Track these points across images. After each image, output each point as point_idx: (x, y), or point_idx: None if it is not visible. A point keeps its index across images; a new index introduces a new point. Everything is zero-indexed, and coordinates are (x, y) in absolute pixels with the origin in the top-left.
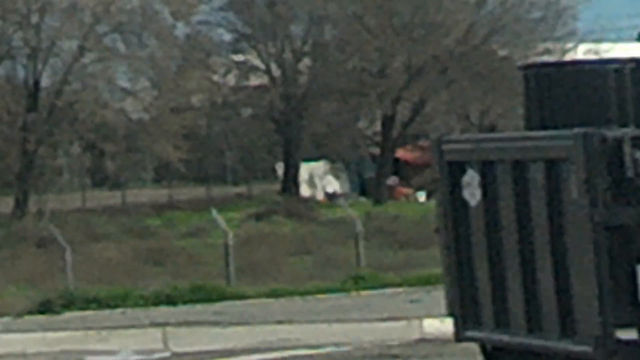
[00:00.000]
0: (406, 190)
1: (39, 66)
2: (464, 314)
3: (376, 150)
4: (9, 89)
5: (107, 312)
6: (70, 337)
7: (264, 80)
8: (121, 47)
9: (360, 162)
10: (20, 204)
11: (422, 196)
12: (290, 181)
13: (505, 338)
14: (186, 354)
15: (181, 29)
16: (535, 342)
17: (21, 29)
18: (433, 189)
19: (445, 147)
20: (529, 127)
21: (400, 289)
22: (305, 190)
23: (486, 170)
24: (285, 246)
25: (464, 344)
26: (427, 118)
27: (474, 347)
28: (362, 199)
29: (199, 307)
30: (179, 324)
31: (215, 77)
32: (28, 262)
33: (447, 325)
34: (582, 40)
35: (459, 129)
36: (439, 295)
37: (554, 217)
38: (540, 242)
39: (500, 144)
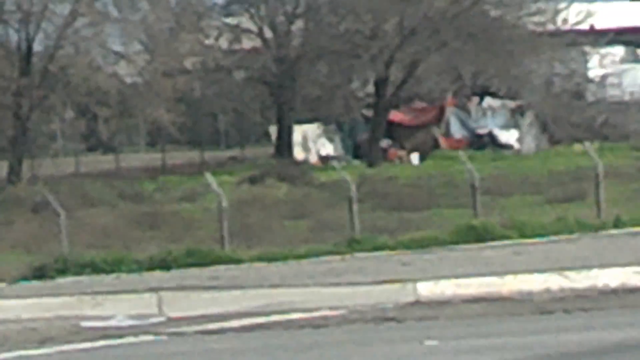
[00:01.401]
0: (400, 153)
1: (32, 30)
2: None
3: (369, 113)
4: (1, 54)
5: (101, 277)
6: (65, 302)
7: (256, 43)
8: (113, 10)
9: (353, 124)
10: (14, 170)
11: (415, 158)
12: (284, 144)
13: None
14: (181, 318)
15: None
16: None
17: None
18: (426, 151)
19: None
20: None
21: (394, 252)
22: (298, 153)
23: None
24: (280, 210)
25: (461, 306)
26: (420, 80)
27: (468, 309)
28: (356, 162)
29: (193, 271)
30: (174, 289)
31: (208, 41)
32: (22, 228)
33: (440, 288)
34: (574, 0)
35: (452, 91)
36: (432, 258)
37: None
38: None
39: None
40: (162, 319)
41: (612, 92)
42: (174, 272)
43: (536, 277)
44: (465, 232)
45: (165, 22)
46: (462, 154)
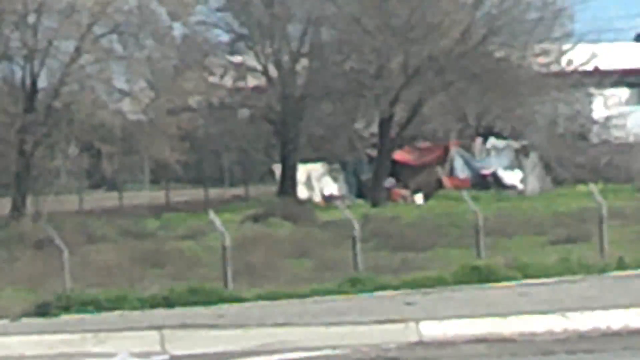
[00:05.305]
0: (403, 192)
1: (36, 67)
2: None
3: (373, 152)
4: (6, 90)
5: (104, 314)
6: (68, 339)
7: (261, 81)
8: (118, 48)
9: (357, 163)
10: (18, 206)
11: (419, 198)
12: (288, 183)
13: None
14: (184, 356)
15: (178, 30)
16: None
17: (18, 29)
18: (430, 190)
19: None
20: None
21: (397, 292)
22: (302, 192)
23: None
24: (283, 248)
25: (463, 347)
26: (424, 119)
27: (471, 350)
28: (360, 201)
29: (196, 309)
30: (177, 327)
31: (213, 78)
32: (25, 264)
33: (443, 328)
34: (579, 41)
35: (457, 130)
36: (435, 299)
37: None
38: None
39: None
40: (165, 357)
41: (617, 134)
42: (177, 310)
43: (539, 318)
44: (469, 272)
45: (170, 60)
46: (465, 194)
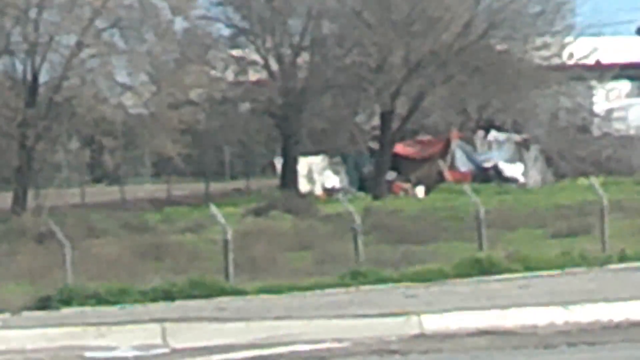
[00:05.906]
0: (405, 186)
1: (38, 61)
2: None
3: (374, 145)
4: (7, 85)
5: (106, 307)
6: (69, 333)
7: (262, 75)
8: (120, 42)
9: (358, 157)
10: (19, 200)
11: (420, 191)
12: (289, 176)
13: None
14: (185, 349)
15: (179, 24)
16: None
17: (20, 23)
18: (431, 183)
19: None
20: None
21: (398, 285)
22: (303, 186)
23: None
24: (284, 241)
25: (465, 339)
26: (425, 113)
27: (473, 343)
28: (361, 194)
29: (197, 302)
30: (178, 320)
31: (214, 72)
32: (27, 258)
33: (445, 321)
34: (580, 35)
35: (458, 124)
36: (436, 291)
37: None
38: None
39: None
40: (166, 350)
41: (618, 127)
42: (179, 304)
43: (541, 310)
44: (470, 265)
45: (172, 54)
46: (467, 187)
